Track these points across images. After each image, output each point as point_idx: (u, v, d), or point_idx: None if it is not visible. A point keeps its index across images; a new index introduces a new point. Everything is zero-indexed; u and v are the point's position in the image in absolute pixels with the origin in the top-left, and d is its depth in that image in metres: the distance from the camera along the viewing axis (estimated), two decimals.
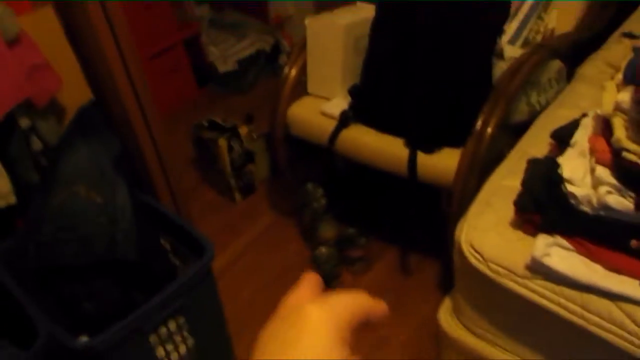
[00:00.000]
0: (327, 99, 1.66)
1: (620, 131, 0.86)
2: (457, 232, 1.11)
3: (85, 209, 1.11)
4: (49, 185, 1.17)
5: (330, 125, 1.57)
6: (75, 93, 1.75)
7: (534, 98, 1.51)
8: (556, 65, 1.56)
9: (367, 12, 1.60)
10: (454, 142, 1.41)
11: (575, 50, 1.65)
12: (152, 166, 1.47)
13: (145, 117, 1.41)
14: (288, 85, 1.68)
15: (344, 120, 1.55)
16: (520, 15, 1.66)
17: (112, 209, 1.15)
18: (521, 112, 1.51)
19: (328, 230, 1.75)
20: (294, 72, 1.69)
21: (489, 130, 1.34)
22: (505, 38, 1.61)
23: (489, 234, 1.05)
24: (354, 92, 1.59)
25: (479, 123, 1.34)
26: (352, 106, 1.57)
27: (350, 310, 0.31)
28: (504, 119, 1.40)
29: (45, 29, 1.78)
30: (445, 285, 1.53)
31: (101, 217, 1.13)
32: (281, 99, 1.67)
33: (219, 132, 1.98)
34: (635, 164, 0.84)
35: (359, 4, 1.78)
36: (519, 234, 1.03)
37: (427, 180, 1.44)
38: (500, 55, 1.50)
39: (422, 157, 1.43)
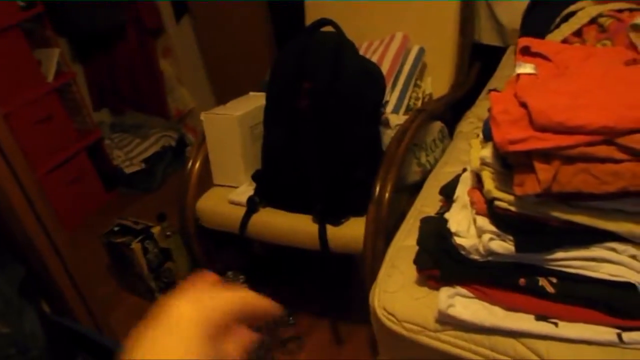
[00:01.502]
0: (234, 187, 1.70)
1: (488, 183, 0.96)
2: (370, 297, 1.15)
3: None
4: None
5: (240, 212, 1.61)
6: None
7: (423, 159, 1.63)
8: (437, 126, 1.71)
9: (259, 100, 1.69)
10: (358, 211, 1.49)
11: (453, 110, 1.82)
12: (62, 283, 1.43)
13: (48, 234, 1.38)
14: (193, 180, 1.71)
15: (252, 205, 1.60)
16: (399, 86, 1.81)
17: (21, 338, 1.10)
18: (414, 172, 1.62)
19: None
20: (197, 166, 1.73)
21: (387, 194, 1.43)
22: (389, 108, 1.75)
23: (399, 294, 1.10)
24: (257, 177, 1.65)
25: (376, 190, 1.43)
26: (258, 191, 1.62)
27: (226, 307, 0.30)
28: (399, 182, 1.51)
29: None
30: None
31: (10, 349, 1.08)
32: (188, 194, 1.70)
33: (132, 235, 1.96)
34: (507, 209, 0.93)
35: (251, 94, 1.88)
36: (425, 290, 1.08)
37: (340, 251, 1.50)
38: (387, 124, 1.63)
39: (331, 230, 1.49)
